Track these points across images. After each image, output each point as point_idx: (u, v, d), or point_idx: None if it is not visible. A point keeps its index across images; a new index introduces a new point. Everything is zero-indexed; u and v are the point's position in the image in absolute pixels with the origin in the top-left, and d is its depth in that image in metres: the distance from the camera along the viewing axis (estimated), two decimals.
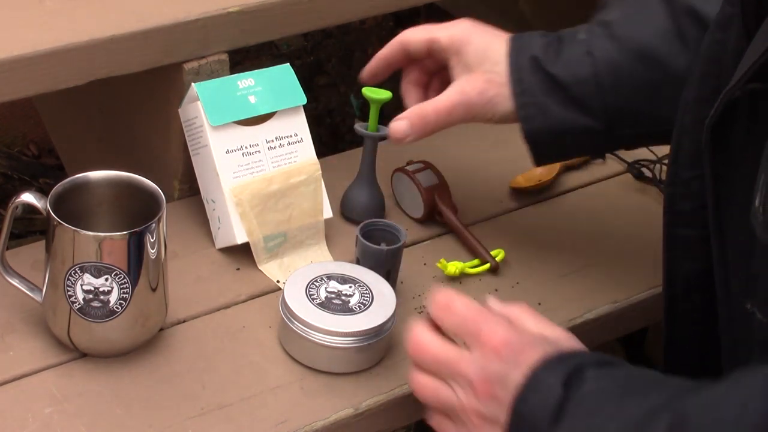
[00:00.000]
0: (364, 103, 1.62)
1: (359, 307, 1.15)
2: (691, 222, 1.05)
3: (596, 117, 1.18)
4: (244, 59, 2.12)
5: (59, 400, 1.09)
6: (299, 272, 1.18)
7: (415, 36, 1.24)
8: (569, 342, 1.00)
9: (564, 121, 1.18)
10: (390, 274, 1.23)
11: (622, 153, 1.48)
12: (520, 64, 1.19)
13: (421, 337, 1.01)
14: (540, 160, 1.24)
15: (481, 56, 1.20)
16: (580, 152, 1.28)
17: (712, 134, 0.96)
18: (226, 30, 1.31)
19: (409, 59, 1.26)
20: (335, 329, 1.13)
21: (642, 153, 1.47)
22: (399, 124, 1.22)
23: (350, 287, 1.16)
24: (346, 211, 1.34)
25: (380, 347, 1.16)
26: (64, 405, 1.09)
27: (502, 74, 1.19)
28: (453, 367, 0.98)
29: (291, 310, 1.13)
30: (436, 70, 1.27)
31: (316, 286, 1.16)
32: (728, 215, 0.97)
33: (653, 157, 1.46)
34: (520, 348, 0.96)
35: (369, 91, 1.27)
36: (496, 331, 0.97)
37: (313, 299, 1.15)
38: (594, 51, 1.17)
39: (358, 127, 1.29)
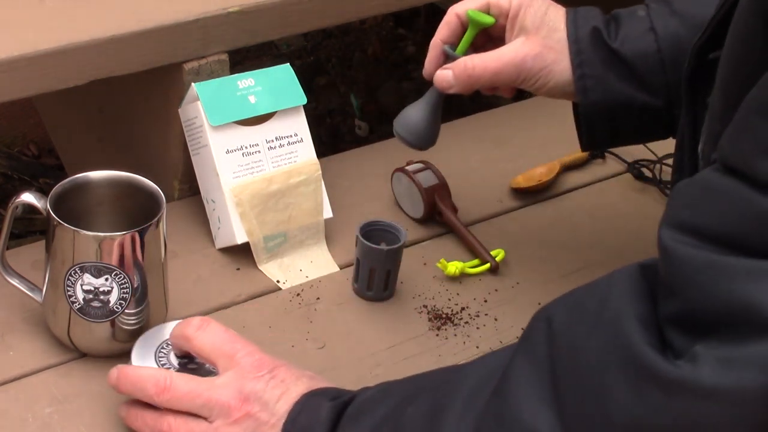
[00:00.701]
0: (364, 103, 1.62)
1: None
2: None
3: (657, 94, 1.14)
4: (244, 59, 2.12)
5: (59, 400, 1.09)
6: (141, 343, 1.08)
7: (471, 3, 1.18)
8: (318, 377, 1.03)
9: (623, 95, 1.15)
10: (390, 274, 1.23)
11: (622, 153, 1.48)
12: (580, 35, 1.15)
13: (166, 379, 1.01)
14: (590, 140, 1.19)
15: (540, 20, 1.16)
16: (633, 134, 1.21)
17: (691, 88, 0.98)
18: (226, 30, 1.31)
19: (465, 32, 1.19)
20: None
21: (642, 153, 1.47)
22: (445, 74, 1.17)
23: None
24: (400, 128, 1.21)
25: None
26: (64, 405, 1.09)
27: (561, 42, 1.15)
28: (207, 395, 0.99)
29: None
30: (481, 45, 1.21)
31: (164, 353, 1.08)
32: None
33: (653, 157, 1.46)
34: (274, 365, 1.00)
35: (475, 14, 1.17)
36: (251, 354, 1.01)
37: (166, 369, 1.05)
38: (656, 27, 1.14)
39: (447, 48, 1.19)
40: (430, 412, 0.89)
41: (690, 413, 0.77)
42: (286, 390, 0.99)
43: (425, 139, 1.22)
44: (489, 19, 1.17)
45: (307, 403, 0.97)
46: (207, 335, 1.02)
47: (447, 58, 1.19)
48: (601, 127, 1.17)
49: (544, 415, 0.83)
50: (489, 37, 1.20)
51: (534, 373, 0.85)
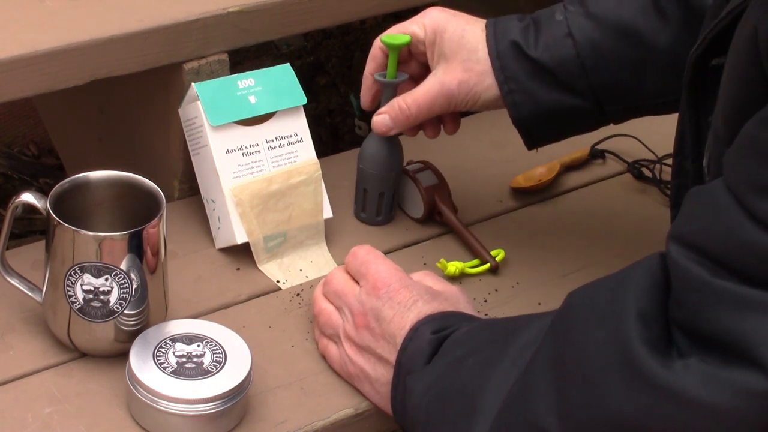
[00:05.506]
0: None
1: (215, 366, 1.08)
2: None
3: (584, 97, 1.18)
4: (244, 59, 2.12)
5: (59, 400, 1.09)
6: (140, 342, 1.09)
7: (392, 33, 1.23)
8: (458, 298, 1.12)
9: (552, 103, 1.18)
10: (383, 197, 1.31)
11: (622, 153, 1.48)
12: (500, 50, 1.18)
13: (333, 272, 1.15)
14: (533, 143, 1.24)
15: (457, 44, 1.19)
16: (573, 131, 1.26)
17: (691, 94, 1.01)
18: (226, 30, 1.31)
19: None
20: (200, 396, 1.05)
21: (642, 153, 1.47)
22: (380, 118, 1.24)
23: (198, 346, 1.09)
24: (364, 163, 1.31)
25: (242, 404, 1.09)
26: (64, 405, 1.09)
27: (481, 62, 1.19)
28: (343, 298, 1.12)
29: (151, 388, 1.05)
30: (419, 76, 1.26)
31: (163, 353, 1.08)
32: None
33: (653, 157, 1.46)
34: (397, 288, 1.09)
35: (388, 37, 1.23)
36: (379, 271, 1.11)
37: (164, 368, 1.06)
38: (574, 31, 1.17)
39: (378, 76, 1.25)
40: (482, 365, 0.98)
41: (674, 418, 0.82)
42: (398, 313, 1.08)
43: (394, 166, 1.30)
44: (404, 38, 1.22)
45: (416, 332, 1.06)
46: (352, 262, 1.14)
47: (382, 86, 1.25)
48: (538, 131, 1.22)
49: (547, 401, 0.89)
50: (426, 67, 1.24)
51: (549, 359, 0.90)
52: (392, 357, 1.07)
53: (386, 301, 1.09)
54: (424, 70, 1.25)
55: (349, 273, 1.14)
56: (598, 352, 0.86)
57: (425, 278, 1.14)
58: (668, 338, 0.85)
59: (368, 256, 1.13)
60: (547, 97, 1.18)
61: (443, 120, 1.28)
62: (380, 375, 1.09)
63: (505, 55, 1.18)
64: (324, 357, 1.15)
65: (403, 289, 1.09)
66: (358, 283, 1.13)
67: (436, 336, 1.04)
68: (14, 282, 1.15)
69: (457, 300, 1.12)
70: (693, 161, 1.04)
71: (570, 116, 1.20)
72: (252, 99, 1.27)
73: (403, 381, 1.05)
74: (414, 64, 1.26)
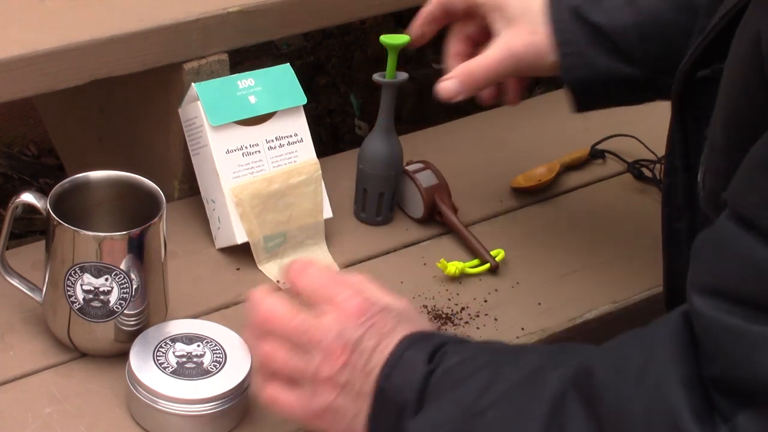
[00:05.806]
0: (364, 103, 1.62)
1: (215, 366, 1.08)
2: (686, 216, 1.05)
3: (640, 66, 1.17)
4: (244, 59, 2.12)
5: (59, 400, 1.09)
6: (140, 342, 1.09)
7: None
8: (414, 314, 1.01)
9: (607, 70, 1.17)
10: (383, 197, 1.31)
11: (622, 153, 1.48)
12: (559, 14, 1.18)
13: (273, 307, 0.99)
14: (582, 108, 1.23)
15: (523, 8, 1.19)
16: (623, 100, 1.24)
17: (679, 108, 1.00)
18: (226, 30, 1.31)
19: (450, 18, 1.25)
20: (200, 396, 1.05)
21: (642, 153, 1.47)
22: (448, 83, 1.20)
23: (198, 346, 1.09)
24: (364, 163, 1.32)
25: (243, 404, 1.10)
26: (64, 405, 1.09)
27: (544, 24, 1.18)
28: (309, 336, 0.96)
29: (151, 388, 1.05)
30: (477, 38, 1.24)
31: (162, 353, 1.08)
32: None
33: (653, 157, 1.46)
34: (373, 314, 0.96)
35: (387, 37, 1.24)
36: (351, 297, 0.97)
37: (164, 368, 1.06)
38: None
39: (377, 76, 1.27)
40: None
41: None
42: (380, 342, 0.95)
43: (394, 166, 1.31)
44: (403, 39, 1.23)
45: (401, 360, 0.94)
46: (306, 283, 1.00)
47: (382, 86, 1.27)
48: (589, 97, 1.21)
49: None
50: (485, 29, 1.22)
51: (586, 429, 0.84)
52: (371, 387, 0.95)
53: (367, 329, 0.96)
54: (483, 32, 1.23)
55: (294, 293, 1.01)
56: (642, 424, 0.80)
57: (365, 284, 1.01)
58: (710, 404, 0.79)
59: (324, 278, 1.00)
60: (603, 63, 1.17)
61: (507, 89, 1.27)
62: (360, 409, 0.96)
63: (563, 19, 1.17)
64: (272, 407, 0.99)
65: (381, 313, 0.97)
66: (309, 307, 0.99)
67: (429, 368, 0.93)
68: (14, 282, 1.15)
69: (416, 317, 1.02)
70: (683, 170, 1.03)
71: (623, 85, 1.19)
72: (252, 99, 1.27)
73: (398, 420, 0.94)
74: (472, 24, 1.24)
